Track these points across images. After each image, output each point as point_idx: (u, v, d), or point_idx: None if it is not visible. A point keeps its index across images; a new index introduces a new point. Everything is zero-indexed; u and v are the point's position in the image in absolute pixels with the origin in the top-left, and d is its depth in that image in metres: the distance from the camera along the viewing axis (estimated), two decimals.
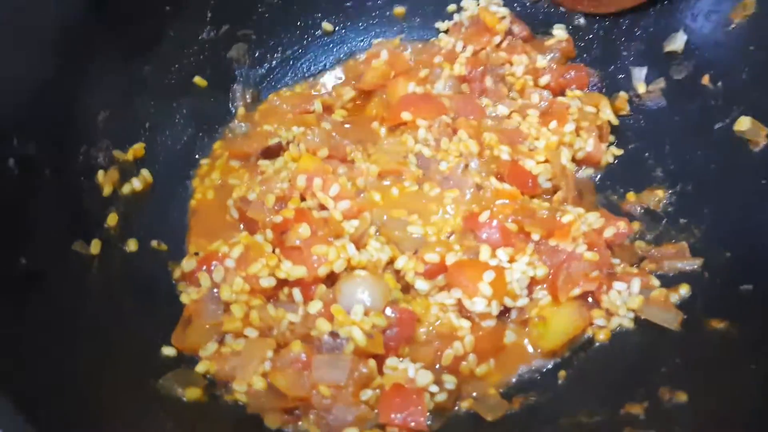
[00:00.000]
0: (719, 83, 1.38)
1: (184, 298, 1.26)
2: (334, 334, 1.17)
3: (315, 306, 1.20)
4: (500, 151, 1.43)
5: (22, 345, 0.93)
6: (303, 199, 1.33)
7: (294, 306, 1.22)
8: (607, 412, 1.10)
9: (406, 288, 1.29)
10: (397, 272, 1.29)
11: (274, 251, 1.27)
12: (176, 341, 1.21)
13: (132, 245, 1.31)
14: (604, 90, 1.58)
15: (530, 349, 1.27)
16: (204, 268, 1.26)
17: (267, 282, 1.22)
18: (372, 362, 1.16)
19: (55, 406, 0.86)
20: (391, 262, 1.29)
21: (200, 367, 1.17)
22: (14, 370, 0.86)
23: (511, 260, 1.29)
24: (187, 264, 1.29)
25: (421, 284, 1.27)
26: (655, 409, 1.07)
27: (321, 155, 1.43)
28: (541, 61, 1.60)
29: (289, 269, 1.23)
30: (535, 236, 1.31)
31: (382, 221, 1.34)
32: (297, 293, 1.23)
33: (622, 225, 1.33)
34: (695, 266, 1.28)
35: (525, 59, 1.59)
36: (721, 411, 1.01)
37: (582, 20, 1.62)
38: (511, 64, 1.60)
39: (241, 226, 1.40)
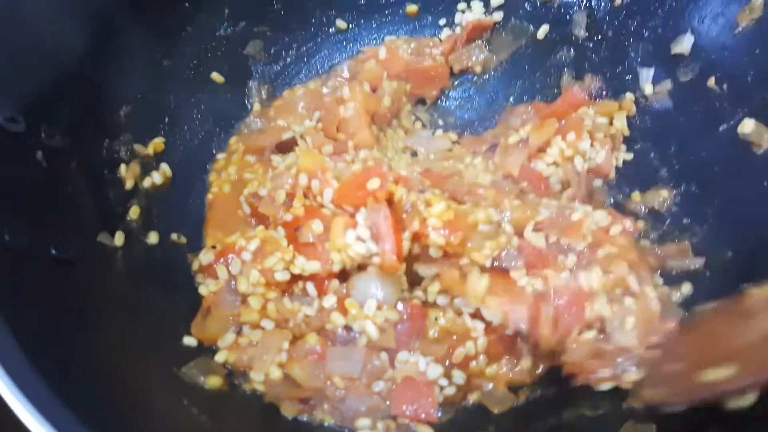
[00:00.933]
0: (725, 86, 1.39)
1: (203, 290, 1.29)
2: (347, 328, 1.21)
3: (329, 300, 1.23)
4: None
5: (52, 325, 0.96)
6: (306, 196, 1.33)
7: (309, 299, 1.25)
8: (610, 406, 1.13)
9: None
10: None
11: (288, 245, 1.28)
12: (196, 331, 1.24)
13: (153, 238, 1.34)
14: (607, 93, 1.58)
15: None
16: (221, 260, 1.29)
17: (282, 276, 1.24)
18: (384, 355, 1.20)
19: (83, 387, 0.90)
20: None
21: (219, 357, 1.20)
22: (44, 352, 0.89)
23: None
24: (205, 257, 1.32)
25: (442, 299, 1.27)
26: None
27: (326, 151, 1.45)
28: None
29: (303, 264, 1.24)
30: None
31: None
32: (311, 287, 1.26)
33: (628, 223, 1.35)
34: (697, 265, 1.31)
35: None
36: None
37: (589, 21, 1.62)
38: None
39: (253, 221, 1.41)
